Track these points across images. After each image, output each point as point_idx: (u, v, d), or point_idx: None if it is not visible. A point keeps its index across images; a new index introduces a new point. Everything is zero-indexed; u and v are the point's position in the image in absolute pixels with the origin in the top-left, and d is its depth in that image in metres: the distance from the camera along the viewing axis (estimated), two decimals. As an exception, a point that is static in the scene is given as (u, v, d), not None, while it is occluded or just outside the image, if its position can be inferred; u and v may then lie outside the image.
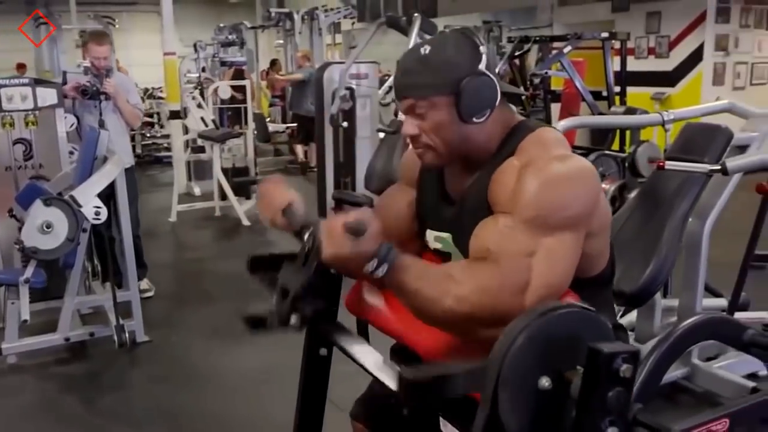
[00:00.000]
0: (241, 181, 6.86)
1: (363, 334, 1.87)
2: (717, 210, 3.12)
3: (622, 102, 7.36)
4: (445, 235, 1.57)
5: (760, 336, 2.75)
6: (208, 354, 3.79)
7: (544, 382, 1.15)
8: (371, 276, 1.31)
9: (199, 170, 7.94)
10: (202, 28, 13.71)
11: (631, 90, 7.83)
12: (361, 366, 1.58)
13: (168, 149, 10.22)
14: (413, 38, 5.60)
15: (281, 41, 12.82)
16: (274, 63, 11.39)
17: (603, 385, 1.10)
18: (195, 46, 8.25)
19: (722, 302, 3.49)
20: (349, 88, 6.06)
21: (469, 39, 1.43)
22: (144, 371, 3.62)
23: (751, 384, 2.98)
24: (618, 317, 2.59)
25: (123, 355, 3.72)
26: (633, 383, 1.13)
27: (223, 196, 6.90)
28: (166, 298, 4.67)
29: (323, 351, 1.93)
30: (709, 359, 3.26)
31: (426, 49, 1.42)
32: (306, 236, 1.50)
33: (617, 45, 7.56)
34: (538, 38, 7.70)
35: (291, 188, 1.64)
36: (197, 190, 7.80)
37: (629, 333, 2.81)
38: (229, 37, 9.79)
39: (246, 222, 6.62)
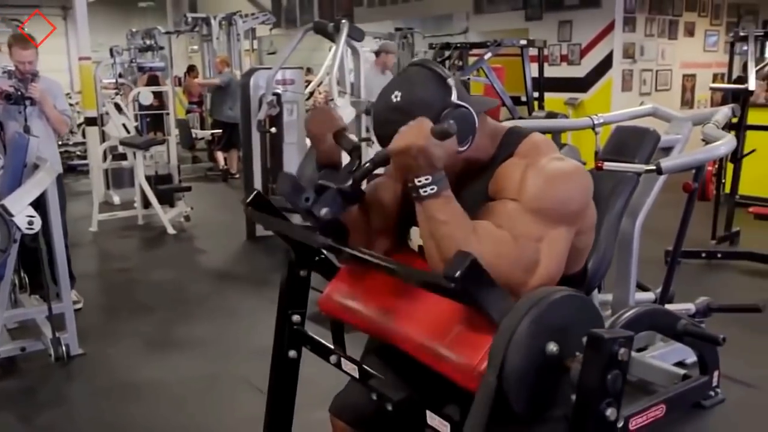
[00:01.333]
0: (166, 189, 6.71)
1: (338, 334, 1.90)
2: (646, 209, 3.30)
3: (540, 107, 7.62)
4: None
5: (691, 326, 2.94)
6: (147, 364, 3.70)
7: (552, 347, 1.22)
8: (416, 191, 1.37)
9: (117, 178, 7.73)
10: (109, 32, 13.31)
11: (546, 95, 8.12)
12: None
13: (81, 157, 9.89)
14: (341, 44, 5.64)
15: (196, 47, 12.61)
16: (191, 69, 11.19)
17: (603, 369, 1.17)
18: (111, 51, 8.01)
19: (650, 296, 3.68)
20: (276, 94, 6.06)
21: (435, 73, 1.48)
22: (82, 385, 3.51)
23: (681, 372, 3.16)
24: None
25: (58, 370, 3.60)
26: (628, 366, 1.21)
27: (146, 205, 6.74)
28: (97, 310, 4.54)
29: (292, 353, 1.95)
30: (639, 350, 3.43)
31: (397, 96, 1.47)
32: (355, 156, 1.55)
33: (534, 52, 7.82)
34: (459, 45, 7.87)
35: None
36: (116, 199, 7.58)
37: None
38: (146, 42, 9.57)
39: (171, 230, 6.49)
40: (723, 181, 5.90)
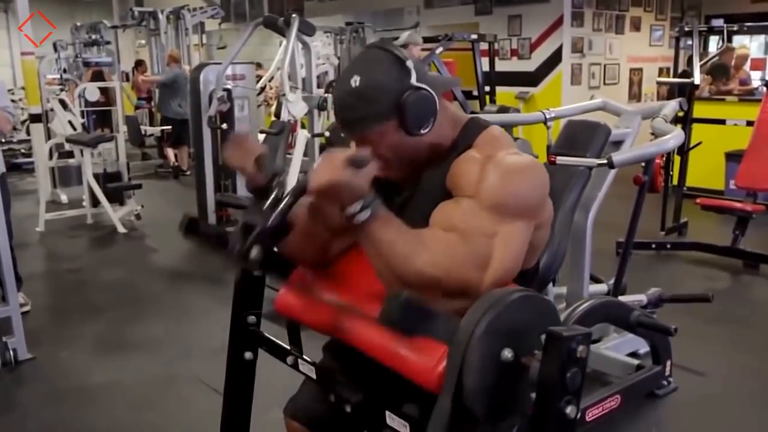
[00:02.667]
0: (116, 187, 6.56)
1: (294, 335, 1.87)
2: (598, 202, 3.35)
3: (492, 101, 7.68)
4: None
5: (644, 317, 2.99)
6: (101, 367, 3.62)
7: (507, 353, 1.22)
8: (351, 220, 1.34)
9: (65, 176, 7.56)
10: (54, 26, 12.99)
11: (497, 89, 8.18)
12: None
13: (26, 155, 9.63)
14: (292, 39, 5.60)
15: (143, 41, 12.37)
16: (139, 63, 10.97)
17: (562, 367, 1.17)
18: (55, 45, 7.79)
19: (603, 288, 3.74)
20: (227, 90, 5.98)
21: (394, 55, 1.46)
22: (34, 391, 3.40)
23: (635, 362, 3.22)
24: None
25: (6, 375, 3.50)
26: (587, 363, 1.22)
27: (95, 203, 6.59)
28: (46, 312, 4.42)
29: (248, 355, 1.92)
30: (593, 342, 3.49)
31: (356, 81, 1.45)
32: (275, 183, 1.53)
33: (485, 46, 7.86)
34: (409, 40, 7.86)
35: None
36: (64, 198, 7.42)
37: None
38: (92, 36, 9.34)
39: (122, 229, 6.36)
40: (671, 173, 6.02)
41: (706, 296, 3.66)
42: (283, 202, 1.47)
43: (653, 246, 5.37)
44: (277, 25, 5.81)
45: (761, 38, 11.50)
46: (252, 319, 1.88)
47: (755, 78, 8.73)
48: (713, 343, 3.77)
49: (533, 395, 1.22)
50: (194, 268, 5.53)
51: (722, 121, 6.00)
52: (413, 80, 1.45)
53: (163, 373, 3.51)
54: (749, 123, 5.57)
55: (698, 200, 5.44)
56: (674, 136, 2.91)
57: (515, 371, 1.22)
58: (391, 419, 1.49)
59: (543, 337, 1.24)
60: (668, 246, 5.45)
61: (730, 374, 3.46)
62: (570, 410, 1.20)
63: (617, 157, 2.81)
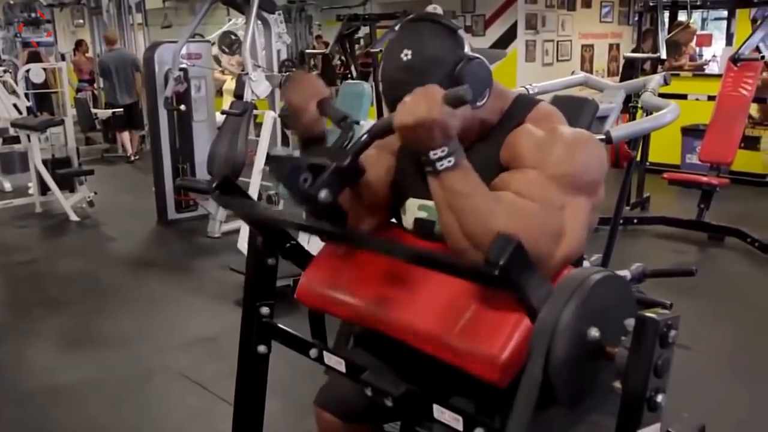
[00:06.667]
0: (67, 173, 6.26)
1: (318, 325, 1.76)
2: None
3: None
4: (432, 203, 1.52)
5: (639, 293, 2.98)
6: (71, 364, 3.42)
7: (593, 332, 1.14)
8: (431, 165, 1.26)
9: (7, 163, 7.19)
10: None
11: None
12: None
13: (-38, 142, 9.16)
14: (252, 16, 5.41)
15: (81, 20, 11.88)
16: (79, 44, 10.50)
17: (653, 354, 1.10)
18: (-8, 25, 7.39)
19: (586, 265, 3.71)
20: (183, 69, 5.76)
21: (444, 26, 1.39)
22: (2, 392, 3.19)
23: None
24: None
25: (-30, 378, 3.29)
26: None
27: (44, 191, 6.29)
28: (5, 308, 4.19)
29: (262, 348, 1.81)
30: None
31: (407, 55, 1.37)
32: (346, 128, 1.42)
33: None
34: (367, 16, 7.75)
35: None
36: (8, 186, 7.08)
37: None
38: (32, 15, 8.88)
39: (74, 217, 6.08)
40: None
41: (689, 270, 3.67)
42: (360, 142, 1.36)
43: (621, 221, 5.38)
44: (236, 2, 5.63)
45: (696, 15, 11.67)
46: (265, 310, 1.77)
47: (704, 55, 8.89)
48: (691, 316, 3.77)
49: (616, 384, 1.15)
50: (155, 255, 5.33)
51: (684, 96, 6.04)
52: (467, 50, 1.38)
53: (138, 368, 3.34)
54: (710, 98, 5.64)
55: (664, 175, 5.49)
56: (670, 111, 2.88)
57: (598, 355, 1.15)
58: (441, 413, 1.40)
59: (626, 322, 1.17)
60: (635, 221, 5.49)
61: (713, 347, 3.48)
62: (661, 398, 1.12)
63: (616, 132, 2.76)
